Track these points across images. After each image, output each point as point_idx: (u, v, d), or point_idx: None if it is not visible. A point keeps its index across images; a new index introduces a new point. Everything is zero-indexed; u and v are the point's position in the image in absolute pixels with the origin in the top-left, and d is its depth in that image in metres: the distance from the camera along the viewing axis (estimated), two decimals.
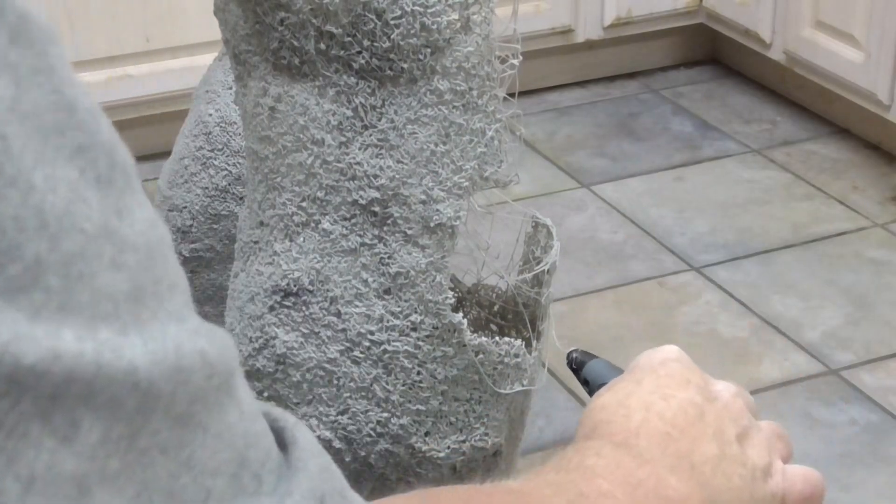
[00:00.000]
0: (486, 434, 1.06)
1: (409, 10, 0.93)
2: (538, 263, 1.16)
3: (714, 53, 3.31)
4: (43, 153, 0.33)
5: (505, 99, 1.02)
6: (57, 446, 0.32)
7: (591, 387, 0.82)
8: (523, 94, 1.08)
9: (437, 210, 0.98)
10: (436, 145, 0.97)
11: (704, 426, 0.67)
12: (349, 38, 0.94)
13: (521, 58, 1.03)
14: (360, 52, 0.94)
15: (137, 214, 0.36)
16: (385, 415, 1.01)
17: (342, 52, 0.94)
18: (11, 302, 0.32)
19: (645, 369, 0.71)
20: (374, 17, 0.93)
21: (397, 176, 0.97)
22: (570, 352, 0.87)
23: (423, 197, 0.98)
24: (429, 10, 0.94)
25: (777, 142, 2.93)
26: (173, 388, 0.35)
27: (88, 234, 0.34)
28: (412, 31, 0.94)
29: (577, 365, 0.85)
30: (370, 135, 0.96)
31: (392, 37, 0.94)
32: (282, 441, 0.42)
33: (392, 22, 0.93)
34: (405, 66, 0.94)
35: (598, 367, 0.84)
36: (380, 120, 0.96)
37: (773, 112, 3.06)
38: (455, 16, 0.95)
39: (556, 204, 2.66)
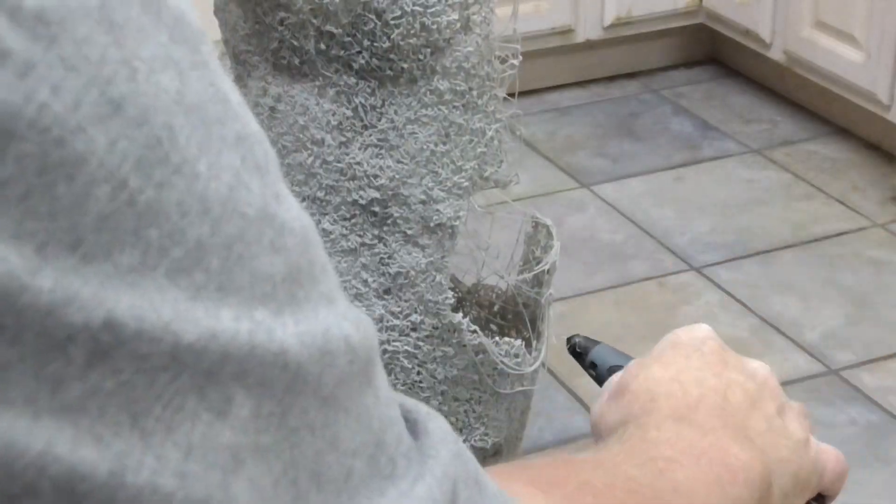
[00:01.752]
0: (486, 434, 1.06)
1: (409, 10, 0.93)
2: (538, 263, 1.16)
3: (714, 53, 3.31)
4: (207, 142, 0.35)
5: (505, 99, 1.02)
6: (212, 419, 0.34)
7: (600, 370, 0.82)
8: (523, 94, 1.08)
9: (437, 210, 0.98)
10: (436, 145, 0.97)
11: (751, 402, 0.69)
12: (349, 39, 0.94)
13: (521, 58, 1.03)
14: (360, 52, 0.94)
15: (291, 200, 0.38)
16: None
17: (342, 52, 0.94)
18: (174, 282, 0.33)
19: (689, 347, 0.72)
20: (374, 17, 0.93)
21: (397, 176, 0.97)
22: (571, 337, 0.86)
23: (423, 197, 0.98)
24: (429, 11, 0.94)
25: (777, 142, 2.93)
26: (320, 370, 0.37)
27: (249, 218, 0.35)
28: (412, 32, 0.94)
29: (581, 349, 0.84)
30: (370, 135, 0.96)
31: (392, 37, 0.94)
32: (415, 431, 0.43)
33: (392, 22, 0.93)
34: (405, 66, 0.94)
35: (605, 351, 0.83)
36: (380, 120, 0.96)
37: (773, 112, 3.06)
38: (455, 16, 0.95)
39: (556, 204, 2.66)
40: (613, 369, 0.77)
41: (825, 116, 3.00)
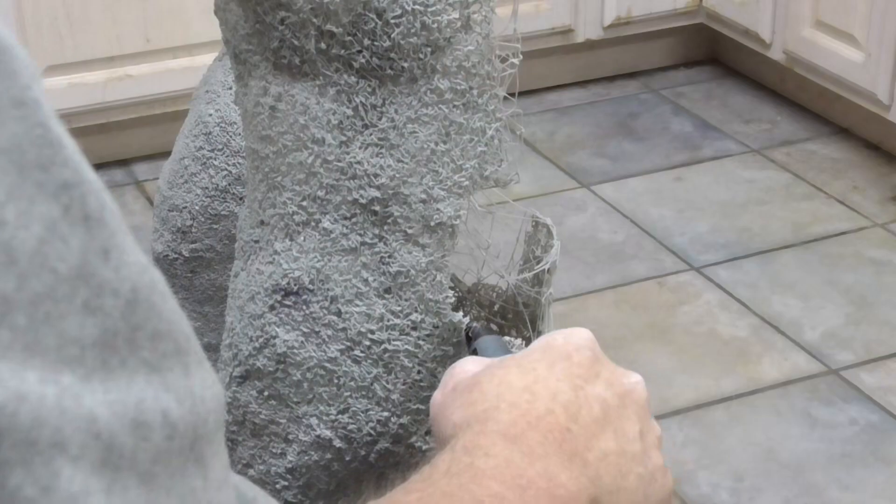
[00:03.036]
0: None
1: (409, 9, 0.93)
2: (538, 263, 1.16)
3: (714, 53, 3.31)
4: (20, 188, 0.32)
5: (505, 98, 1.02)
6: (38, 496, 0.32)
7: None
8: (523, 94, 1.09)
9: (438, 209, 0.98)
10: (436, 144, 0.97)
11: (606, 423, 0.66)
12: (349, 38, 0.94)
13: (521, 57, 1.03)
14: (360, 52, 0.94)
15: (127, 258, 0.35)
16: (385, 414, 1.01)
17: (342, 52, 0.94)
18: None
19: (559, 353, 0.68)
20: (374, 16, 0.93)
21: (398, 175, 0.97)
22: (471, 321, 0.85)
23: (424, 196, 0.98)
24: (429, 9, 0.94)
25: (777, 142, 2.93)
26: (134, 443, 0.34)
27: (60, 275, 0.33)
28: (412, 31, 0.94)
29: (472, 335, 0.83)
30: (370, 134, 0.96)
31: (392, 36, 0.94)
32: None
33: (392, 21, 0.93)
34: (405, 65, 0.94)
35: (492, 343, 0.82)
36: (380, 119, 0.96)
37: (773, 112, 3.06)
38: (455, 15, 0.95)
39: (556, 204, 2.66)
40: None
41: (825, 116, 3.00)
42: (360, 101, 0.95)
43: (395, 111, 0.96)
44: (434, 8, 0.94)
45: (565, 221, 2.59)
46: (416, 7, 0.93)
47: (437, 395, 0.69)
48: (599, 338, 0.82)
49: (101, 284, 0.34)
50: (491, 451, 0.62)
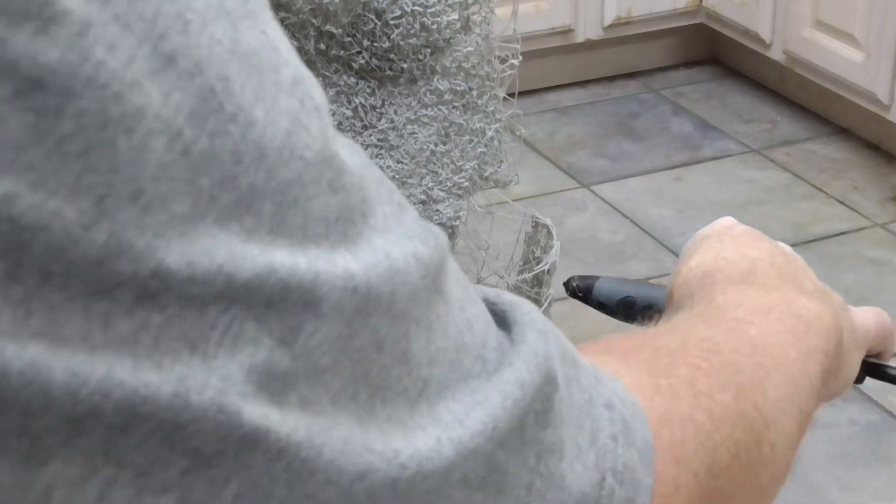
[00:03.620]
0: None
1: (408, 10, 0.93)
2: (538, 263, 1.16)
3: (714, 53, 3.31)
4: (262, 90, 0.35)
5: (505, 99, 1.02)
6: (275, 345, 0.35)
7: (609, 307, 0.79)
8: (523, 94, 1.08)
9: (437, 210, 0.98)
10: (435, 145, 0.97)
11: (795, 268, 0.68)
12: (349, 39, 0.94)
13: (521, 58, 1.03)
14: (359, 53, 0.94)
15: (343, 139, 0.39)
16: None
17: (342, 53, 0.94)
18: (225, 227, 0.34)
19: (715, 236, 0.71)
20: (373, 17, 0.93)
21: (397, 176, 0.97)
22: (568, 281, 0.83)
23: (423, 197, 0.98)
24: (428, 11, 0.94)
25: (777, 142, 2.93)
26: (392, 289, 0.37)
27: (308, 161, 0.36)
28: (412, 32, 0.94)
29: (582, 291, 0.81)
30: (370, 135, 0.96)
31: (392, 37, 0.94)
32: (504, 322, 0.44)
33: (392, 22, 0.93)
34: (405, 66, 0.94)
35: (607, 285, 0.80)
36: (379, 120, 0.96)
37: (773, 112, 3.06)
38: (455, 16, 0.95)
39: (556, 204, 2.66)
40: (624, 302, 0.74)
41: (825, 116, 3.00)
42: (360, 102, 0.95)
43: (395, 112, 0.96)
44: (434, 9, 0.94)
45: (565, 222, 2.59)
46: (416, 8, 0.93)
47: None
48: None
49: (341, 164, 0.37)
50: (727, 291, 0.63)
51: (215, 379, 0.33)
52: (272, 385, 0.35)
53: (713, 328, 0.59)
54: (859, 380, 0.71)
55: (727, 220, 0.72)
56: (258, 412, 0.34)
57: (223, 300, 0.34)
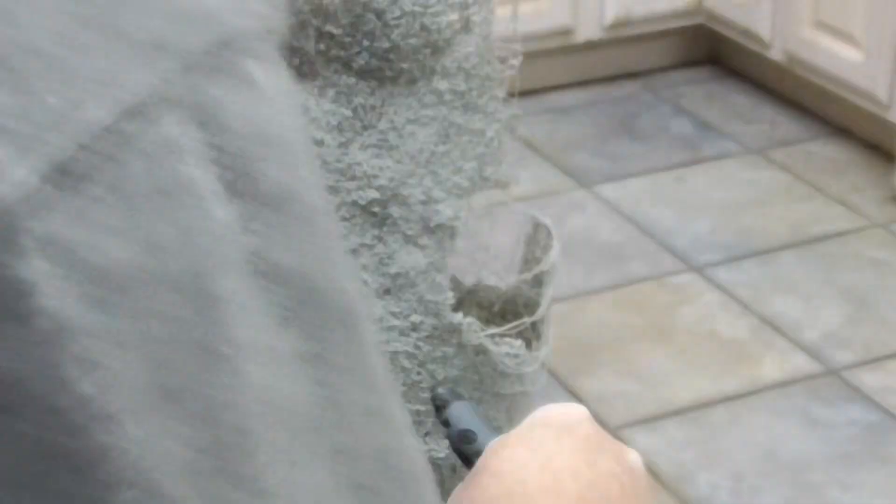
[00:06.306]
0: None
1: (408, 10, 0.93)
2: (538, 264, 1.16)
3: (714, 53, 3.31)
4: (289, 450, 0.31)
5: (505, 99, 1.02)
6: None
7: (452, 430, 0.75)
8: (523, 94, 1.09)
9: (437, 210, 0.98)
10: (435, 145, 0.97)
11: (623, 499, 0.62)
12: (349, 39, 0.94)
13: (520, 58, 1.03)
14: (359, 53, 0.94)
15: None
16: None
17: (342, 53, 0.94)
18: None
19: (560, 427, 0.63)
20: (373, 17, 0.93)
21: (397, 176, 0.97)
22: (436, 387, 0.81)
23: (423, 197, 0.98)
24: (429, 11, 0.94)
25: (777, 142, 2.93)
26: None
27: None
28: (412, 32, 0.94)
29: (440, 403, 0.78)
30: (370, 135, 0.96)
31: (392, 37, 0.94)
32: None
33: (392, 22, 0.93)
34: (405, 66, 0.94)
35: (463, 410, 0.76)
36: (379, 120, 0.96)
37: (773, 112, 3.06)
38: (455, 16, 0.95)
39: (556, 204, 2.66)
40: (464, 435, 0.70)
41: (825, 116, 3.00)
42: (360, 103, 0.95)
43: (395, 112, 0.96)
44: (434, 9, 0.94)
45: (565, 222, 2.59)
46: (416, 8, 0.93)
47: (450, 499, 0.65)
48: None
49: None
50: None
51: None
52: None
53: None
54: None
55: (578, 412, 0.64)
56: None
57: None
